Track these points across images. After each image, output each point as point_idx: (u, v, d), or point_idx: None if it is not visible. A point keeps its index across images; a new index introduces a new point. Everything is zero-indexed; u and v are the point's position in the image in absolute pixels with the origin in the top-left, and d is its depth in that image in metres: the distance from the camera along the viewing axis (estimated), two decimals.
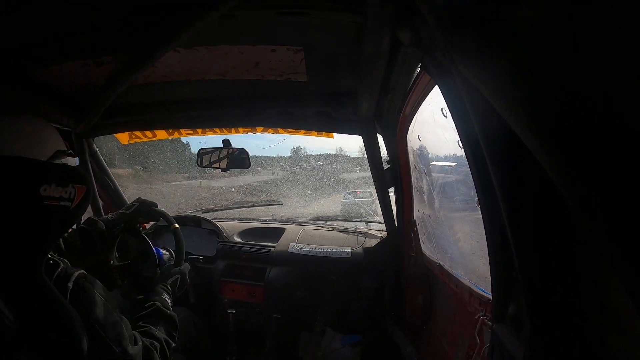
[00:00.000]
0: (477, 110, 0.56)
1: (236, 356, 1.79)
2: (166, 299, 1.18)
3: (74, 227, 1.19)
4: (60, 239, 1.04)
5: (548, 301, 0.54)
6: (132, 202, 1.37)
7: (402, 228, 1.75)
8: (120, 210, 1.34)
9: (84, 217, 1.13)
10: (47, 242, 0.77)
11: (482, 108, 0.54)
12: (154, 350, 0.96)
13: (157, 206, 1.38)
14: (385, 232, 1.90)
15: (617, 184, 0.28)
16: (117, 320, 0.85)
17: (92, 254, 1.20)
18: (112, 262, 1.33)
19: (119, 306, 0.91)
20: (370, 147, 1.63)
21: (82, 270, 0.84)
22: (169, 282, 1.27)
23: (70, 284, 0.78)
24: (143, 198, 1.37)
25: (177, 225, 1.38)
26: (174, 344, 1.08)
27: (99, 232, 1.23)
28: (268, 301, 1.86)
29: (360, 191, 6.15)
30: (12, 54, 0.99)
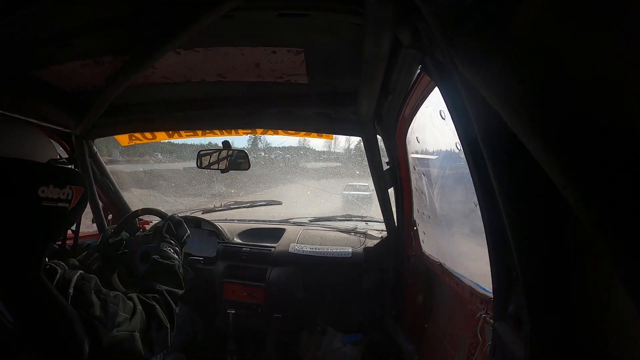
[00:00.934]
0: (477, 111, 0.56)
1: (236, 356, 1.79)
2: (164, 248, 1.23)
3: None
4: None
5: (548, 301, 0.55)
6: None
7: (402, 228, 1.75)
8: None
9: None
10: (45, 243, 0.77)
11: (482, 109, 0.54)
12: (156, 304, 0.98)
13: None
14: (386, 232, 1.90)
15: (617, 185, 0.28)
16: (116, 311, 0.85)
17: None
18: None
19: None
20: (370, 148, 1.63)
21: (80, 271, 0.84)
22: (163, 230, 1.32)
23: (71, 290, 0.79)
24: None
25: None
26: (180, 291, 1.10)
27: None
28: (269, 302, 1.86)
29: (358, 184, 6.89)
30: (12, 53, 0.99)
